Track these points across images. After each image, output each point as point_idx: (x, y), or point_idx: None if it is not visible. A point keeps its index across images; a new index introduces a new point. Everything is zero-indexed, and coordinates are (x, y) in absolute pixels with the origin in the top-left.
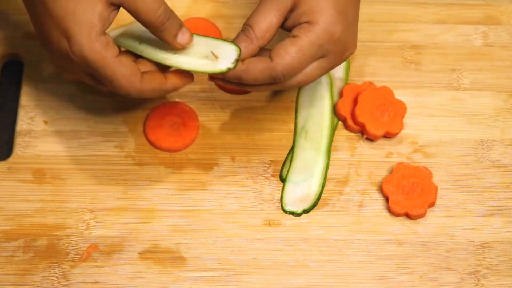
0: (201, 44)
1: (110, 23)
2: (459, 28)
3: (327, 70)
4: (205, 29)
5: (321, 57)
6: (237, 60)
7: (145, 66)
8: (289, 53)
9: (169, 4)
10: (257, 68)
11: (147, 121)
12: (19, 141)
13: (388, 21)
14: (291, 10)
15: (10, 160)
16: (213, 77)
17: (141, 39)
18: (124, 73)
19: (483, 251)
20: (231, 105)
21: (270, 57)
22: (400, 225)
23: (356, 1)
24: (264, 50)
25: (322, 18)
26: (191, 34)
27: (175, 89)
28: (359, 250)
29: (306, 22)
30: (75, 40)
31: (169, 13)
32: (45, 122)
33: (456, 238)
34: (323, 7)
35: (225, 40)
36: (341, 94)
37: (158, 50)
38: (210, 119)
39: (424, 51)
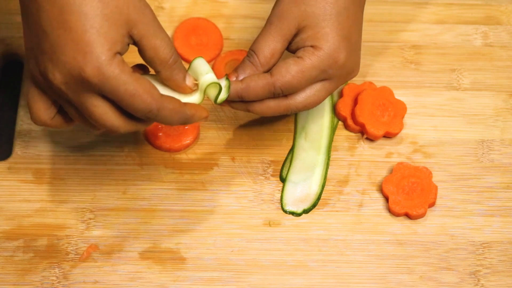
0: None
1: (124, 53)
2: (459, 28)
3: (330, 92)
4: (205, 29)
5: (324, 79)
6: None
7: None
8: (289, 72)
9: (169, 4)
10: (258, 84)
11: None
12: (19, 141)
13: (388, 21)
14: (296, 34)
15: (10, 160)
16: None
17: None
18: (144, 87)
19: (483, 251)
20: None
21: (271, 73)
22: (400, 225)
23: (360, 23)
24: None
25: (327, 44)
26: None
27: (192, 117)
28: (359, 250)
29: (311, 46)
30: (94, 55)
31: (179, 57)
32: None
33: (456, 238)
34: (327, 33)
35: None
36: (341, 94)
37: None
38: (210, 119)
39: (424, 51)
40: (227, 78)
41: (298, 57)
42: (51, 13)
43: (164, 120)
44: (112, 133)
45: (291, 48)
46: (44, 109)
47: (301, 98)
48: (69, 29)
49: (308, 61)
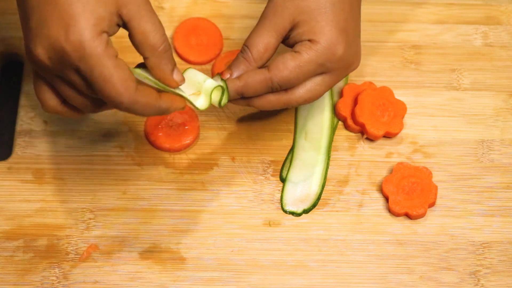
0: (193, 80)
1: (112, 34)
2: (459, 28)
3: (331, 85)
4: (205, 29)
5: (323, 73)
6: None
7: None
8: (287, 67)
9: (169, 4)
10: (255, 80)
11: (147, 121)
12: (19, 141)
13: (388, 21)
14: (291, 29)
15: (10, 160)
16: None
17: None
18: (121, 75)
19: (483, 251)
20: (231, 105)
21: (268, 68)
22: (400, 225)
23: (356, 14)
24: None
25: (324, 38)
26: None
27: (168, 110)
28: (359, 250)
29: (308, 40)
30: (77, 28)
31: (170, 47)
32: (45, 122)
33: (456, 238)
34: (324, 27)
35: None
36: (341, 94)
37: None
38: (210, 119)
39: (424, 51)
40: (222, 78)
41: (295, 52)
42: None
43: (136, 113)
44: (89, 112)
45: (289, 43)
46: (50, 96)
47: (300, 92)
48: (55, 3)
49: (305, 55)
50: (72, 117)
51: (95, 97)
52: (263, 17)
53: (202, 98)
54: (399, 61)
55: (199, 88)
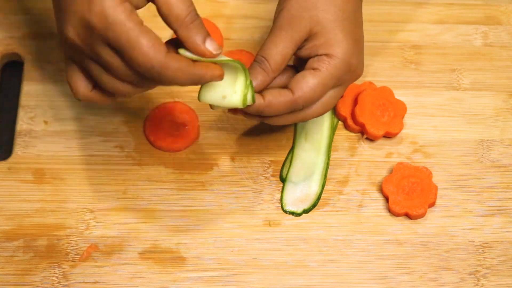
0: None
1: (137, 7)
2: (459, 28)
3: (340, 96)
4: None
5: (338, 86)
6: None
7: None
8: (310, 87)
9: None
10: (279, 101)
11: (147, 121)
12: (19, 141)
13: (388, 21)
14: (306, 39)
15: (10, 160)
16: (235, 110)
17: None
18: (148, 39)
19: (483, 251)
20: None
21: (291, 90)
22: (400, 225)
23: (361, 24)
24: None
25: (341, 51)
26: (220, 46)
27: (203, 77)
28: (359, 250)
29: (325, 55)
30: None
31: (199, 16)
32: (45, 122)
33: (456, 238)
34: (341, 40)
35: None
36: None
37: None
38: (210, 119)
39: (424, 51)
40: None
41: (314, 69)
42: None
43: (170, 80)
44: (121, 96)
45: (301, 54)
46: (80, 81)
47: (317, 107)
48: None
49: (326, 72)
50: (104, 102)
51: (128, 74)
52: (278, 28)
53: (238, 94)
54: (399, 61)
55: (235, 83)
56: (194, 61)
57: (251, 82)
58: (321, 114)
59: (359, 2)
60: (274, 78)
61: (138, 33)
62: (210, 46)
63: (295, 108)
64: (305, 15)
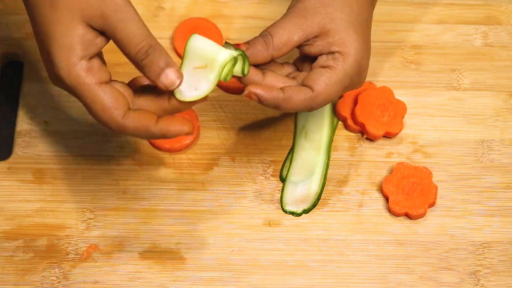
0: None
1: (98, 48)
2: (459, 28)
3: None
4: (205, 29)
5: (346, 87)
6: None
7: (146, 103)
8: (329, 84)
9: (169, 4)
10: (300, 98)
11: None
12: (19, 141)
13: (388, 21)
14: (316, 36)
15: (10, 160)
16: (249, 94)
17: None
18: (104, 103)
19: (483, 251)
20: (231, 105)
21: (311, 88)
22: (400, 225)
23: (370, 32)
24: (276, 66)
25: (354, 51)
26: (180, 76)
27: (164, 135)
28: (359, 250)
29: (339, 53)
30: (55, 64)
31: (153, 49)
32: (45, 122)
33: (456, 238)
34: (355, 40)
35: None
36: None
37: None
38: (210, 119)
39: (424, 51)
40: (236, 48)
41: (328, 66)
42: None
43: (133, 136)
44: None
45: (312, 50)
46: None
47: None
48: (39, 38)
49: (341, 70)
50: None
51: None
52: (291, 15)
53: (214, 73)
54: (399, 61)
55: (209, 61)
56: (182, 101)
57: (243, 54)
58: (323, 105)
59: (371, 12)
60: (273, 57)
61: (93, 96)
62: (165, 80)
63: (313, 105)
64: (322, 10)
